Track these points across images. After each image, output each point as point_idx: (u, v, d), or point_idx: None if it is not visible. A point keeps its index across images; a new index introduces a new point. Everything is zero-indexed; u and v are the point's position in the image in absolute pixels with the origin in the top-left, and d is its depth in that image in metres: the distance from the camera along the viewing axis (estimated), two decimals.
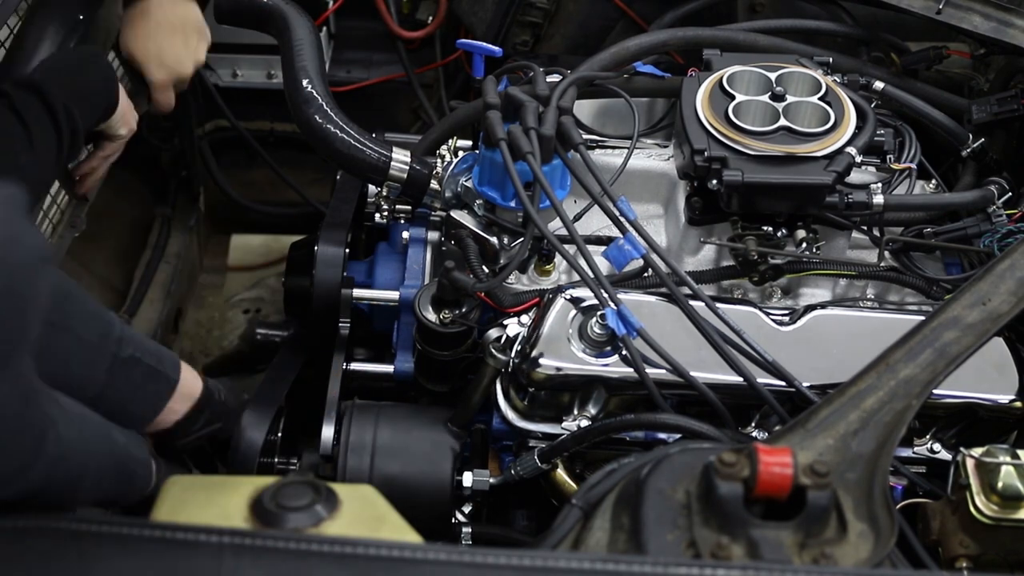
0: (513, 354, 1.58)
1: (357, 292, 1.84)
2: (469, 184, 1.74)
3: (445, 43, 2.46)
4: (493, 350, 1.58)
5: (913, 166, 1.79)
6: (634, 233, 1.53)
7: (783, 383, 1.49)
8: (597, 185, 1.58)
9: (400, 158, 1.81)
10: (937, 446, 1.57)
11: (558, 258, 1.72)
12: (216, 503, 1.12)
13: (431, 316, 1.67)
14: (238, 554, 0.92)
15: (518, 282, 1.73)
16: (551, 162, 1.63)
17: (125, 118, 1.75)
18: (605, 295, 1.50)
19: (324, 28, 2.46)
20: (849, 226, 1.73)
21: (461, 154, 1.85)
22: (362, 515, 1.11)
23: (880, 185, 1.74)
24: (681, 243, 1.76)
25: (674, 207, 1.78)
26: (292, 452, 1.78)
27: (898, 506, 1.41)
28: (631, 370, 1.50)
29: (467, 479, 1.61)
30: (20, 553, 0.90)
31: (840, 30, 2.05)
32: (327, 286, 1.83)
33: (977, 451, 1.33)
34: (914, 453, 1.57)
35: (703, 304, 1.52)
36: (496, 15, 2.21)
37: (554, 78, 1.76)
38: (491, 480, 1.61)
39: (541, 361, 1.53)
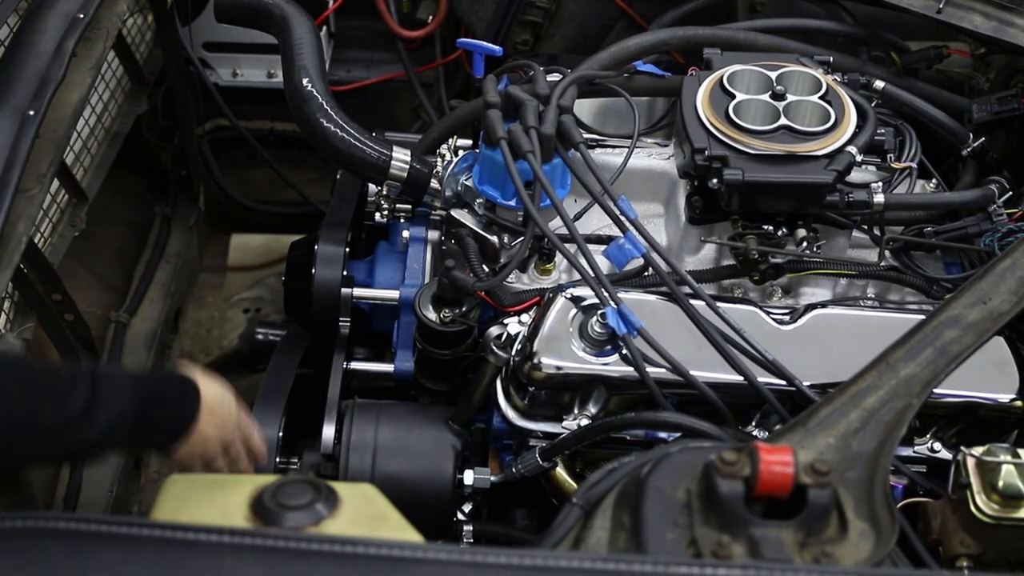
0: (514, 352, 1.58)
1: (357, 291, 1.84)
2: (469, 183, 1.74)
3: (445, 42, 2.46)
4: (494, 347, 1.58)
5: (913, 165, 1.79)
6: (634, 232, 1.52)
7: (784, 382, 1.48)
8: (597, 184, 1.58)
9: (400, 157, 1.81)
10: (938, 445, 1.57)
11: (558, 257, 1.72)
12: (216, 502, 1.12)
13: (431, 315, 1.67)
14: (238, 553, 0.92)
15: (518, 281, 1.73)
16: (551, 161, 1.63)
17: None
18: (605, 294, 1.50)
19: (324, 27, 2.46)
20: (849, 225, 1.73)
21: (461, 153, 1.85)
22: (362, 514, 1.11)
23: (880, 184, 1.74)
24: (681, 242, 1.76)
25: (674, 206, 1.78)
26: (292, 451, 1.78)
27: (899, 505, 1.40)
28: (631, 369, 1.50)
29: (468, 477, 1.61)
30: (20, 552, 0.90)
31: (840, 29, 2.05)
32: (327, 285, 1.83)
33: (978, 450, 1.33)
34: (915, 452, 1.57)
35: (704, 303, 1.52)
36: (496, 14, 2.21)
37: (554, 77, 1.76)
38: (492, 478, 1.61)
39: (541, 360, 1.53)
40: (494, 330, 1.60)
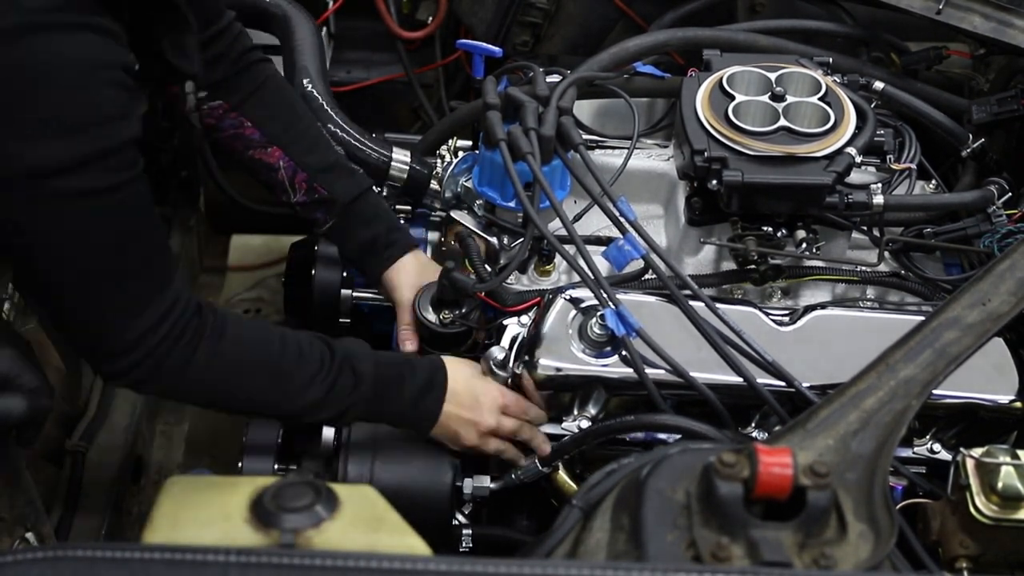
0: (512, 362, 1.57)
1: (357, 292, 1.84)
2: (469, 184, 1.74)
3: (445, 43, 2.45)
4: (494, 367, 1.57)
5: (913, 166, 1.79)
6: (634, 233, 1.53)
7: (783, 383, 1.49)
8: (597, 185, 1.58)
9: (400, 158, 1.81)
10: (937, 446, 1.57)
11: (558, 258, 1.72)
12: (216, 503, 1.12)
13: (431, 316, 1.67)
14: (244, 571, 0.93)
15: (518, 282, 1.73)
16: (551, 162, 1.63)
17: None
18: (604, 295, 1.50)
19: (324, 28, 2.45)
20: (849, 226, 1.73)
21: (461, 154, 1.85)
22: (362, 515, 1.11)
23: (880, 185, 1.74)
24: (681, 243, 1.76)
25: (674, 207, 1.78)
26: (290, 456, 1.77)
27: (898, 506, 1.41)
28: (631, 370, 1.50)
29: (467, 486, 1.60)
30: None
31: (840, 30, 2.05)
32: (327, 286, 1.83)
33: (977, 451, 1.33)
34: (914, 453, 1.57)
35: (703, 304, 1.52)
36: (496, 15, 2.21)
37: (554, 78, 1.76)
38: (491, 486, 1.61)
39: (541, 361, 1.53)
40: (495, 351, 1.59)
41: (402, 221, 1.89)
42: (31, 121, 1.16)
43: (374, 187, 1.84)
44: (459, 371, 1.56)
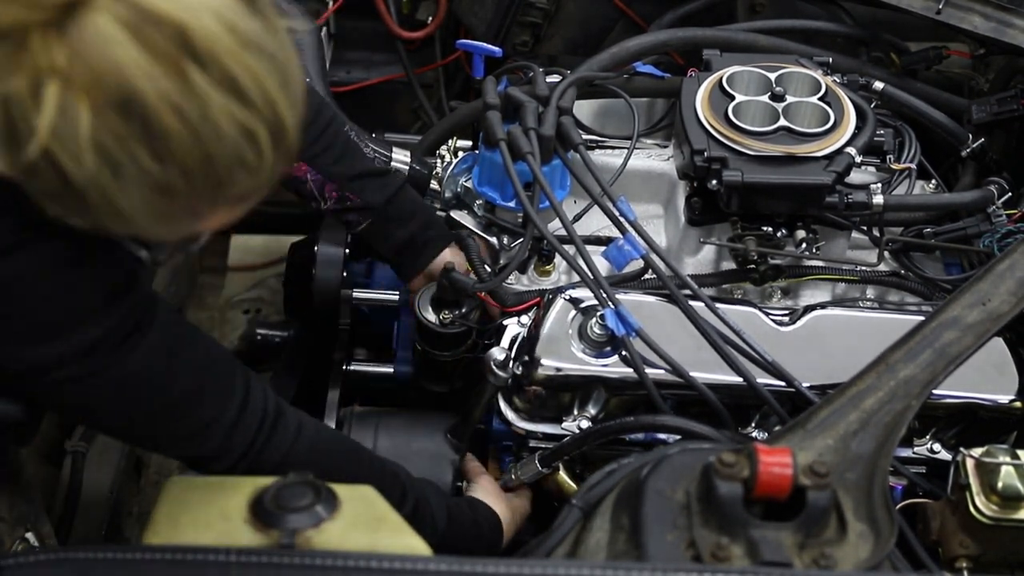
0: (512, 363, 1.57)
1: (357, 292, 1.84)
2: (469, 184, 1.74)
3: (445, 43, 2.45)
4: (494, 367, 1.57)
5: (913, 166, 1.79)
6: (634, 233, 1.53)
7: (783, 383, 1.48)
8: (597, 185, 1.58)
9: (400, 158, 1.81)
10: (937, 446, 1.57)
11: (558, 258, 1.72)
12: (216, 503, 1.12)
13: (431, 316, 1.67)
14: (244, 571, 0.94)
15: (518, 282, 1.73)
16: (551, 162, 1.63)
17: None
18: (604, 295, 1.50)
19: (324, 28, 2.46)
20: (849, 226, 1.73)
21: (461, 154, 1.85)
22: (362, 515, 1.11)
23: (880, 185, 1.74)
24: (681, 243, 1.76)
25: (674, 207, 1.78)
26: None
27: (898, 506, 1.41)
28: (631, 370, 1.50)
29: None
30: None
31: (840, 30, 2.05)
32: (327, 286, 1.83)
33: (977, 451, 1.33)
34: (914, 453, 1.57)
35: (703, 304, 1.52)
36: (496, 15, 2.21)
37: (554, 78, 1.76)
38: None
39: (541, 361, 1.53)
40: (495, 352, 1.59)
41: None
42: (30, 326, 1.14)
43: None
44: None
